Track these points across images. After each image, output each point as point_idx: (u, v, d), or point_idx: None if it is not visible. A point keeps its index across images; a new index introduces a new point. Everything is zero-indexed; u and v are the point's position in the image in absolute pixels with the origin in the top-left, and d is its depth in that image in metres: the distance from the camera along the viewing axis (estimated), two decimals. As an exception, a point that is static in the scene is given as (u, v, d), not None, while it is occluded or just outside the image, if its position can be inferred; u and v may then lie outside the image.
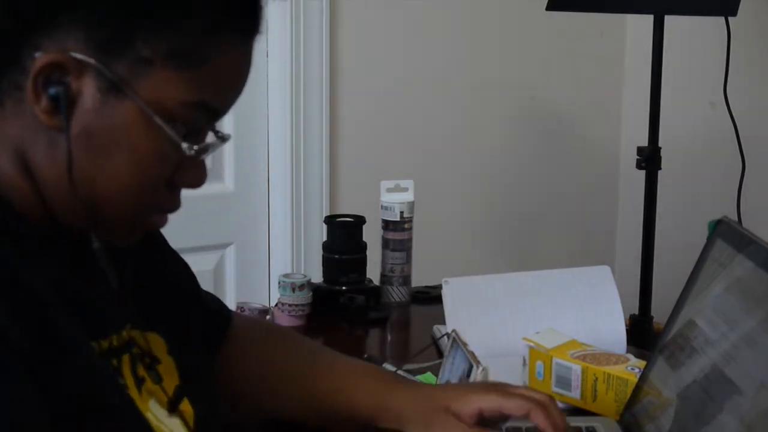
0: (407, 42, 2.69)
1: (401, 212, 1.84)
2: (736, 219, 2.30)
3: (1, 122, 0.91)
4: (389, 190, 1.86)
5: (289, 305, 1.72)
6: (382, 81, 2.66)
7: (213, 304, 1.27)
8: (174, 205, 0.97)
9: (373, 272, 1.85)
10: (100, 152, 0.90)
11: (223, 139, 0.98)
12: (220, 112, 0.94)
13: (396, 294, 1.85)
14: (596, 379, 1.28)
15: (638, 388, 1.20)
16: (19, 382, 0.82)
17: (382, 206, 1.85)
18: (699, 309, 1.11)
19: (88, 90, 0.88)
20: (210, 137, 0.96)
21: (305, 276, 1.75)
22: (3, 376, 0.81)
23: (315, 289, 1.77)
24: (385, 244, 1.85)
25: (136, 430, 0.94)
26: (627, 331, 1.54)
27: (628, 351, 1.46)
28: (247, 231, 2.58)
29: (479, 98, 2.83)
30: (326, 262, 1.82)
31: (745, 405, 0.95)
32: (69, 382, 0.87)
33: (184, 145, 0.91)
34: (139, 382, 0.98)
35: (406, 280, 1.86)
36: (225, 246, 2.55)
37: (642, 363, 1.26)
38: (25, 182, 0.92)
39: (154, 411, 0.97)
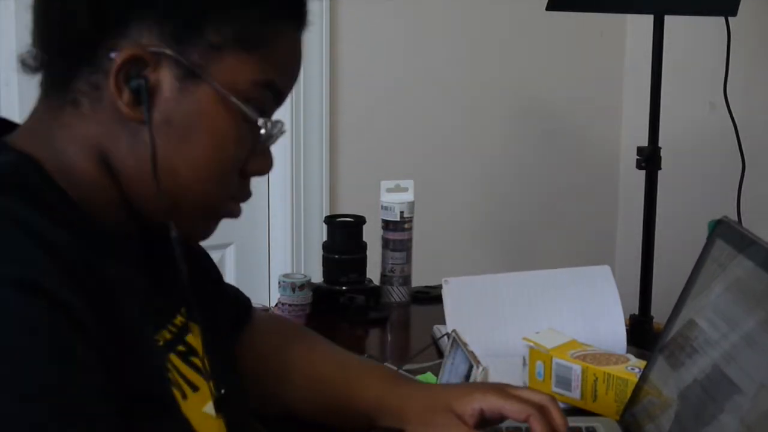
0: (407, 42, 2.70)
1: (401, 212, 1.84)
2: (736, 219, 2.31)
3: (80, 123, 0.94)
4: (389, 190, 1.86)
5: (289, 305, 1.72)
6: (382, 81, 2.67)
7: (234, 295, 1.30)
8: (246, 193, 1.01)
9: (373, 272, 1.85)
10: (181, 138, 0.93)
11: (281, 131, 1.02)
12: (283, 94, 0.99)
13: (396, 294, 1.85)
14: (596, 379, 1.28)
15: (638, 388, 1.20)
16: (95, 372, 0.84)
17: (382, 206, 1.85)
18: (699, 309, 1.11)
19: (166, 79, 0.92)
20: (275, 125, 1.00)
21: (305, 276, 1.75)
22: (82, 365, 0.82)
23: (315, 289, 1.77)
24: (385, 244, 1.85)
25: (184, 428, 0.96)
26: (627, 331, 1.53)
27: (628, 351, 1.46)
28: (247, 231, 2.58)
29: (479, 98, 2.83)
30: (326, 262, 1.82)
31: (746, 405, 0.95)
32: (134, 374, 0.89)
33: (261, 121, 0.96)
34: (190, 381, 1.00)
35: (406, 280, 1.86)
36: (225, 246, 2.55)
37: (642, 363, 1.26)
38: (106, 179, 0.95)
39: (204, 408, 1.00)
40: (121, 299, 0.90)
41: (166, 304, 1.01)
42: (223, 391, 1.01)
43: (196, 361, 1.01)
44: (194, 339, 1.03)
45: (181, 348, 1.00)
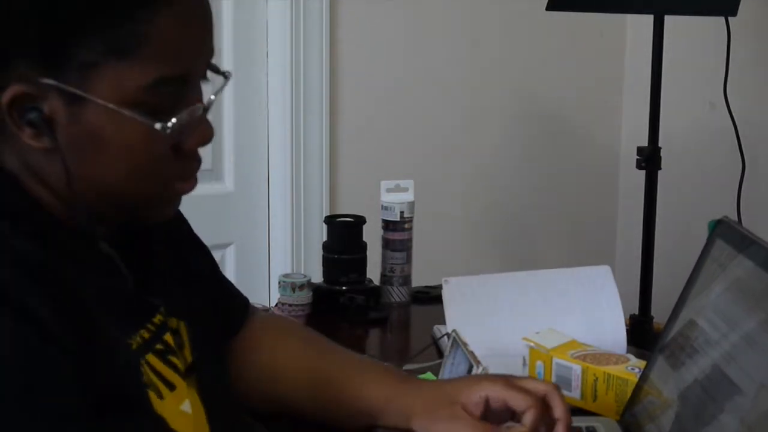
0: (407, 42, 2.69)
1: (401, 212, 1.84)
2: (736, 219, 2.30)
3: (8, 153, 0.95)
4: (389, 190, 1.86)
5: (289, 305, 1.72)
6: (382, 81, 2.66)
7: (233, 292, 1.30)
8: (193, 166, 0.99)
9: (373, 272, 1.85)
10: (92, 158, 0.93)
11: (224, 76, 1.00)
12: (188, 76, 0.95)
13: (396, 294, 1.85)
14: (596, 379, 1.28)
15: (638, 388, 1.20)
16: (64, 376, 0.85)
17: (382, 206, 1.85)
18: (699, 309, 1.11)
19: (57, 106, 0.91)
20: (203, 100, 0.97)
21: (305, 276, 1.75)
22: (49, 371, 0.84)
23: (315, 289, 1.77)
24: (385, 244, 1.85)
25: (159, 427, 0.97)
26: (627, 331, 1.54)
27: (628, 351, 1.46)
28: (247, 231, 2.58)
29: (479, 98, 2.83)
30: (326, 262, 1.82)
31: (746, 405, 0.95)
32: (105, 378, 0.90)
33: (158, 126, 0.93)
34: (167, 380, 1.00)
35: (406, 280, 1.86)
36: (225, 246, 2.55)
37: (642, 363, 1.26)
38: (52, 197, 0.96)
39: (180, 406, 1.01)
40: (91, 305, 0.91)
41: (144, 304, 1.01)
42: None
43: (173, 359, 1.02)
44: (172, 337, 1.03)
45: (159, 347, 1.01)
